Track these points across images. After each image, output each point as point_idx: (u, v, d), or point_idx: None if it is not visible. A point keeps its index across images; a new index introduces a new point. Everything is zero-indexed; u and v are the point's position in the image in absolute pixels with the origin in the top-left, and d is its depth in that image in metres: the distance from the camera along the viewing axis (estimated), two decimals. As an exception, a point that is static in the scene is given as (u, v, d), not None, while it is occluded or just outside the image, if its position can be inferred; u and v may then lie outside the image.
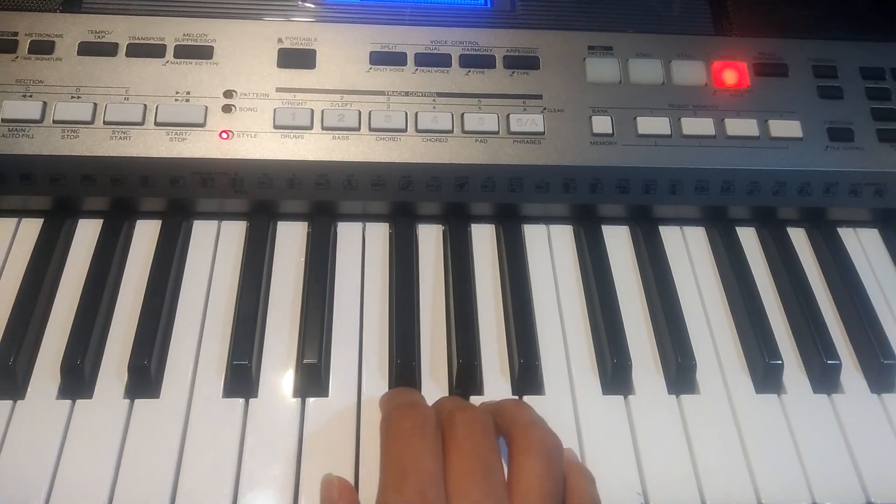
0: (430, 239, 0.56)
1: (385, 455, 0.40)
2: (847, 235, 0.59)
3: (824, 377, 0.50)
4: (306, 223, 0.55)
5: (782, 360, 0.50)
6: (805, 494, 0.46)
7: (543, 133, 0.55)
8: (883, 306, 0.54)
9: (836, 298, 0.55)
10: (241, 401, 0.47)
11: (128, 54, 0.54)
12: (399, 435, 0.40)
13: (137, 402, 0.46)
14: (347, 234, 0.55)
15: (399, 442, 0.39)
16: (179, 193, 0.53)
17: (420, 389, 0.48)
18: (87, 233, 0.54)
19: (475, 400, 0.47)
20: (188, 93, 0.54)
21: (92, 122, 0.52)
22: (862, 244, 0.59)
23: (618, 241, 0.57)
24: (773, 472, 0.46)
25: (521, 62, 0.57)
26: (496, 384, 0.49)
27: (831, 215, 0.59)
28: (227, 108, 0.53)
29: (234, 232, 0.55)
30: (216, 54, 0.55)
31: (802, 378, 0.51)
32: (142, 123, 0.52)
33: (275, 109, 0.54)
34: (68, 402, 0.46)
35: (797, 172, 0.56)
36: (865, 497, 0.46)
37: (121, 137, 0.52)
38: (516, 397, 0.48)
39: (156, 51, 0.55)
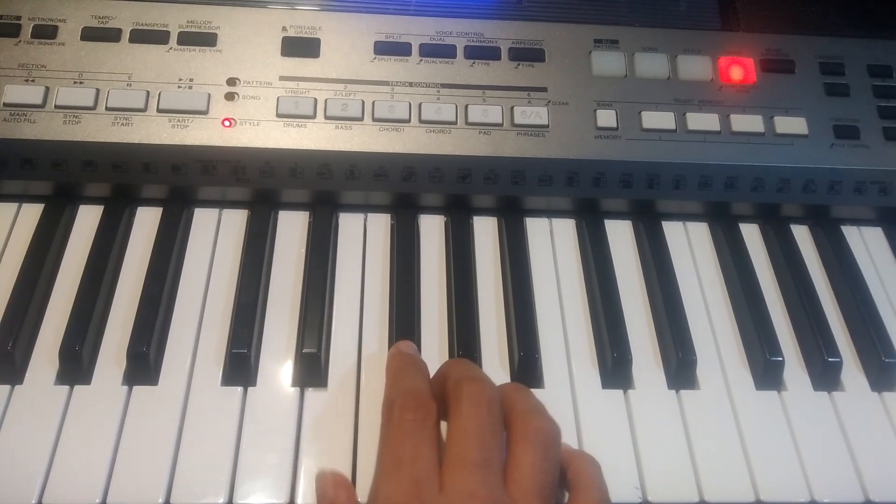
0: (431, 230, 0.56)
1: (383, 443, 0.40)
2: (850, 233, 0.58)
3: (825, 374, 0.50)
4: (308, 213, 0.55)
5: (783, 357, 0.50)
6: (804, 491, 0.45)
7: (547, 126, 0.55)
8: (885, 304, 0.54)
9: (838, 296, 0.55)
10: (239, 389, 0.46)
11: (131, 40, 0.54)
12: (400, 426, 0.39)
13: (136, 388, 0.46)
14: (349, 224, 0.55)
15: (399, 433, 0.39)
16: (181, 181, 0.53)
17: (419, 381, 0.48)
18: (87, 219, 0.54)
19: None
20: (191, 80, 0.53)
21: (94, 108, 0.52)
22: (865, 242, 0.58)
23: (620, 235, 0.57)
24: (772, 468, 0.46)
25: (527, 54, 0.57)
26: (496, 376, 0.48)
27: (835, 213, 0.59)
28: (230, 96, 0.53)
29: (235, 220, 0.55)
30: (220, 42, 0.55)
31: (803, 375, 0.51)
32: (144, 110, 0.52)
33: (278, 98, 0.53)
34: (66, 387, 0.46)
35: (802, 169, 0.56)
36: (864, 495, 0.46)
37: (123, 124, 0.52)
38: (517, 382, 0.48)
39: (159, 37, 0.54)
